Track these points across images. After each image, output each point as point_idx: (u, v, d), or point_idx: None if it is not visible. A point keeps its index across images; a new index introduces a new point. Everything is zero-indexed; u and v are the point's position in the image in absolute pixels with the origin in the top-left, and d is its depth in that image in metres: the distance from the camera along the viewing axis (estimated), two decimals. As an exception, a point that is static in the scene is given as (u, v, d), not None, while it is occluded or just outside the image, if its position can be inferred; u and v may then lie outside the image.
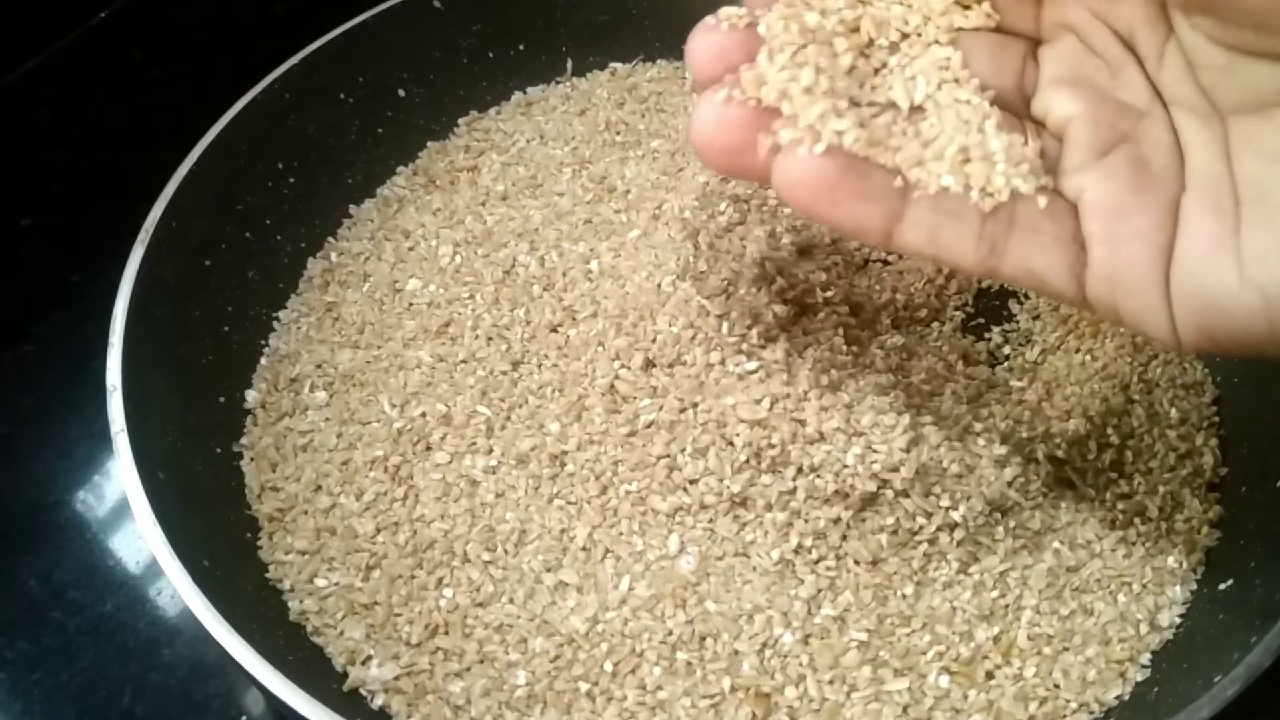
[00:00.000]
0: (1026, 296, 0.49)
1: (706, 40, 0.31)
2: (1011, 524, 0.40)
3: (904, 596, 0.38)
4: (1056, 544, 0.40)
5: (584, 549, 0.39)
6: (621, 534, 0.40)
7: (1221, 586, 0.39)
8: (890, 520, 0.38)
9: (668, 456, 0.40)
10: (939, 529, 0.38)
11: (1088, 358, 0.46)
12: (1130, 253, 0.29)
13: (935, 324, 0.47)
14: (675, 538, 0.39)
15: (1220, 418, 0.45)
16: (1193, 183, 0.29)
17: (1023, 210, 0.30)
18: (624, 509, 0.40)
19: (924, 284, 0.47)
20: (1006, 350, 0.47)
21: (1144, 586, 0.39)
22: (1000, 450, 0.40)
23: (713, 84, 0.31)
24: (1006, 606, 0.38)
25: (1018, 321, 0.48)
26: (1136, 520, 0.41)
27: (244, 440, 0.44)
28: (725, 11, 0.31)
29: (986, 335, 0.47)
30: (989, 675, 0.37)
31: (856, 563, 0.39)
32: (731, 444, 0.39)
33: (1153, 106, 0.30)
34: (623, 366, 0.42)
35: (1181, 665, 0.37)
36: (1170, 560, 0.40)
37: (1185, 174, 0.29)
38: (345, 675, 0.38)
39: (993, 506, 0.39)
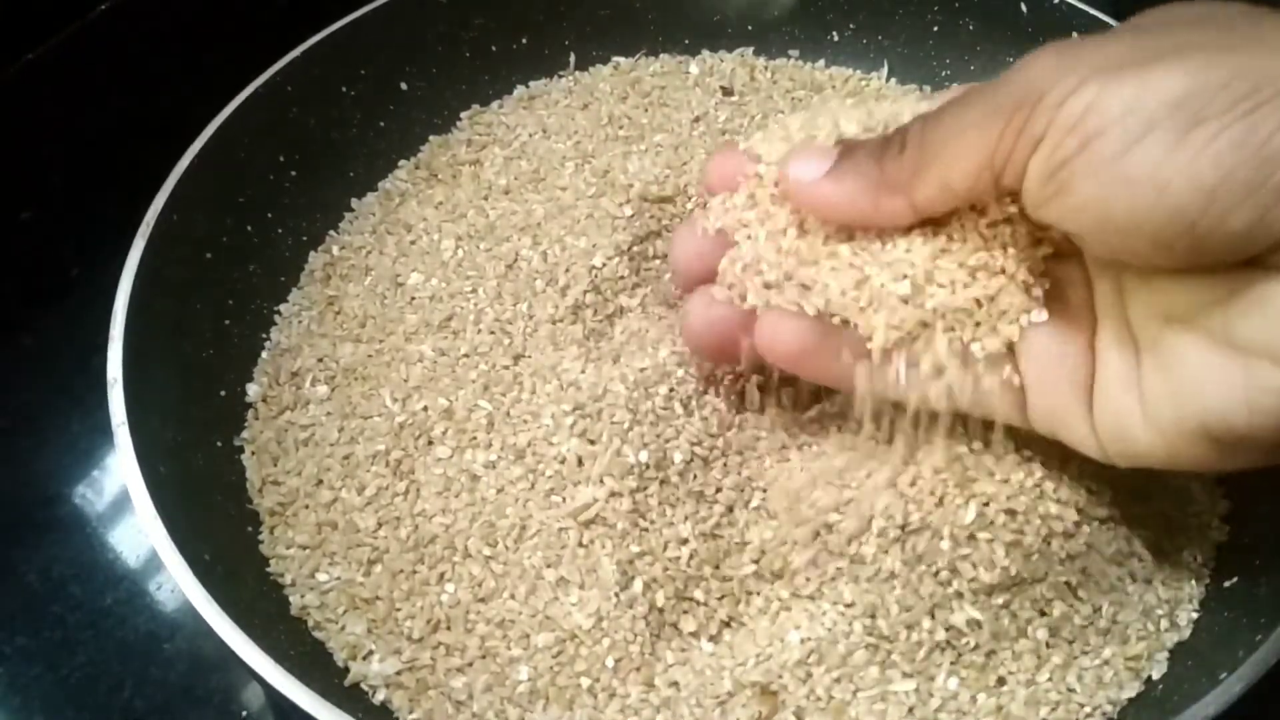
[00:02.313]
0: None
1: (686, 244, 0.38)
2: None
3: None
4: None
5: (582, 545, 0.39)
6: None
7: (1227, 583, 0.39)
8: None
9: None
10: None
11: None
12: (1057, 397, 0.33)
13: None
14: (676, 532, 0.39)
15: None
16: (1102, 319, 0.33)
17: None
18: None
19: None
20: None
21: (1163, 583, 0.39)
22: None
23: (694, 282, 0.38)
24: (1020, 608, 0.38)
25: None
26: (1150, 517, 0.40)
27: (245, 434, 0.44)
28: (701, 216, 0.38)
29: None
30: (1000, 681, 0.37)
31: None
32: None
33: (1064, 245, 0.34)
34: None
35: (1187, 663, 0.37)
36: (1185, 555, 0.40)
37: (1096, 309, 0.33)
38: (346, 670, 0.38)
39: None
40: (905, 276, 0.33)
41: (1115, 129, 0.27)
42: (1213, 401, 0.29)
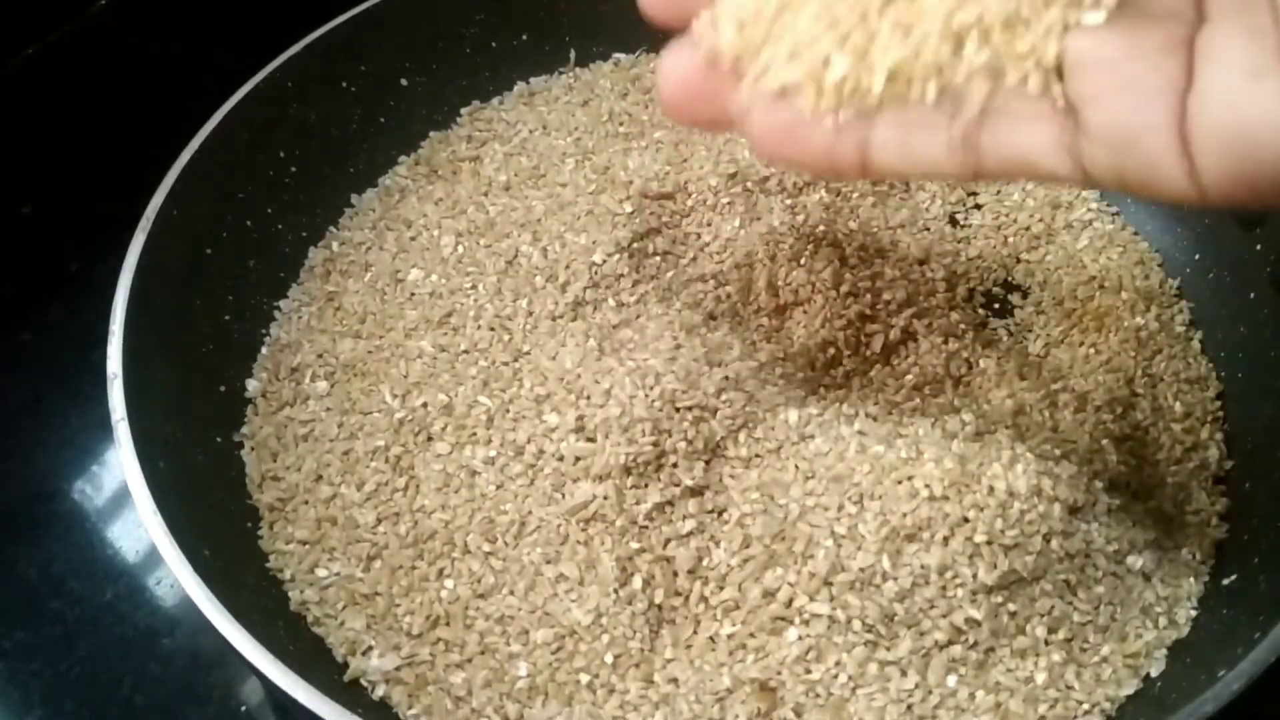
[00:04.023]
0: (1028, 291, 0.49)
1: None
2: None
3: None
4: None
5: (581, 542, 0.39)
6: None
7: (1226, 581, 0.39)
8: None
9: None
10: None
11: (1091, 350, 0.46)
12: (1131, 103, 0.25)
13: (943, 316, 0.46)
14: (676, 529, 0.39)
15: (1224, 412, 0.45)
16: (1214, 13, 0.25)
17: (995, 95, 0.27)
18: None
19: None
20: (1009, 344, 0.47)
21: (1161, 581, 0.39)
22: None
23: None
24: (1019, 607, 0.38)
25: (1017, 315, 0.48)
26: (1148, 515, 0.40)
27: (245, 429, 0.44)
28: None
29: (991, 328, 0.47)
30: (999, 679, 0.37)
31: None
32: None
33: None
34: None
35: (1186, 660, 0.37)
36: (1184, 553, 0.40)
37: (1203, 5, 0.25)
38: (346, 666, 0.38)
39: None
40: None
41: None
42: None
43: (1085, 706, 0.37)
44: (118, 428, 0.38)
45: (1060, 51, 0.26)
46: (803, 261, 0.46)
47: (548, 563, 0.39)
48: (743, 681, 0.36)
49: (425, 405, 0.43)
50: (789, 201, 0.50)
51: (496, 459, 0.41)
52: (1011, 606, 0.37)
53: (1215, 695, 0.32)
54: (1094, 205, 0.52)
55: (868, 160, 0.28)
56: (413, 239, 0.50)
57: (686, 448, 0.40)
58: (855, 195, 0.51)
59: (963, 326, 0.46)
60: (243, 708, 0.42)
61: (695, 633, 0.38)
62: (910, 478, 0.37)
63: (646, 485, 0.39)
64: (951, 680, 0.36)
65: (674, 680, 0.37)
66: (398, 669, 0.38)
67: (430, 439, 0.43)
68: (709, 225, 0.49)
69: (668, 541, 0.39)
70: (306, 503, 0.42)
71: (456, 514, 0.40)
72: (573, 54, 0.58)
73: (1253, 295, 0.45)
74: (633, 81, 0.57)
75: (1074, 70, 0.26)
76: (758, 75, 0.28)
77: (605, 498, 0.39)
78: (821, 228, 0.48)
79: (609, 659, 0.37)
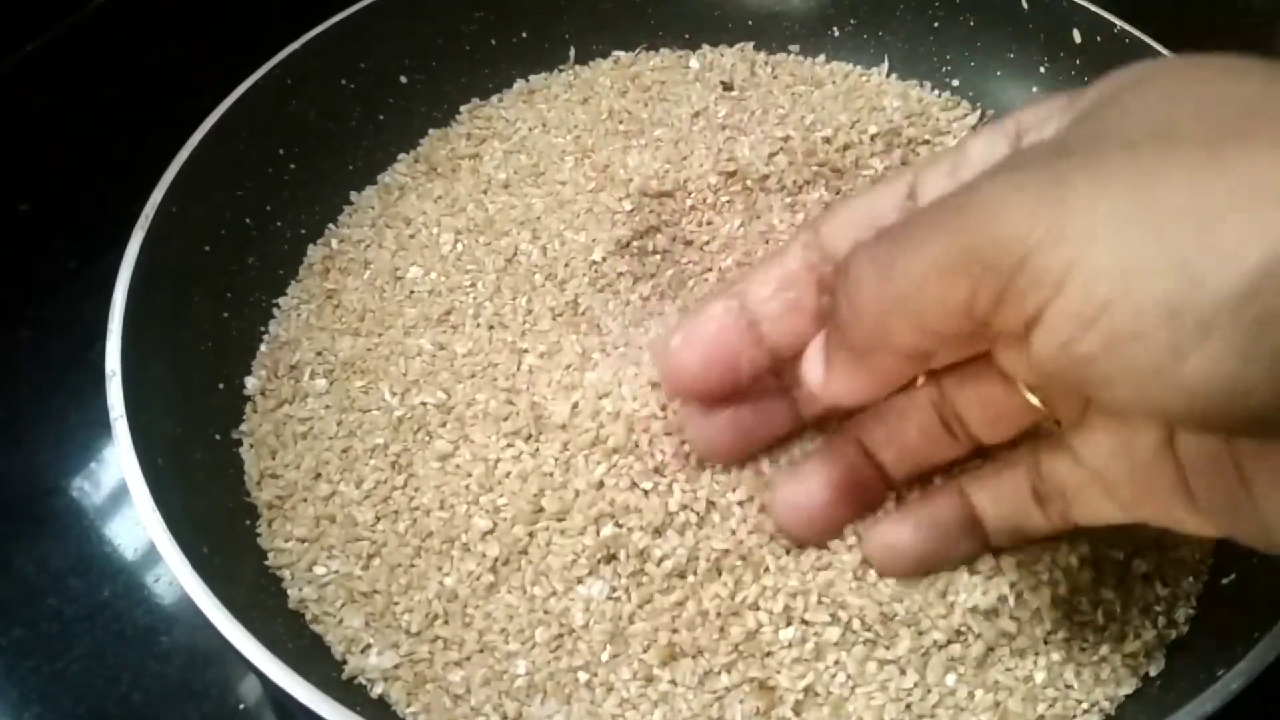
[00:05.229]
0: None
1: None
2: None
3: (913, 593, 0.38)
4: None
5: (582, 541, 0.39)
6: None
7: (1225, 580, 0.39)
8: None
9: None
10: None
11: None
12: (1150, 503, 0.30)
13: None
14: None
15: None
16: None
17: (1061, 475, 0.33)
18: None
19: None
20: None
21: (1161, 579, 0.39)
22: None
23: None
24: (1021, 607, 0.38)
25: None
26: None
27: (243, 427, 0.44)
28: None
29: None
30: (998, 678, 0.37)
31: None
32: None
33: None
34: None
35: (1185, 660, 0.37)
36: (1184, 552, 0.40)
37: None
38: (344, 663, 0.38)
39: None
40: None
41: (1158, 333, 0.21)
42: None
43: (1084, 706, 0.37)
44: (116, 425, 0.38)
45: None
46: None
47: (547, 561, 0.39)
48: (741, 680, 0.36)
49: (424, 403, 0.43)
50: (789, 200, 0.50)
51: (496, 458, 0.41)
52: (1011, 605, 0.37)
53: (1215, 694, 0.32)
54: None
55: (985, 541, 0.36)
56: (412, 236, 0.50)
57: (684, 447, 0.39)
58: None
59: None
60: (241, 705, 0.42)
61: (697, 630, 0.38)
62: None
63: (647, 483, 0.39)
64: (951, 679, 0.36)
65: (672, 680, 0.37)
66: (396, 667, 0.38)
67: (429, 437, 0.43)
68: (709, 224, 0.49)
69: (669, 539, 0.39)
70: (305, 500, 0.42)
71: (455, 512, 0.40)
72: (572, 51, 0.58)
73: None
74: (632, 79, 0.57)
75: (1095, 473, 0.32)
76: None
77: (605, 496, 0.39)
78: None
79: (606, 657, 0.37)
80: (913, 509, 0.36)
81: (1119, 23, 0.49)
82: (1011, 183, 0.24)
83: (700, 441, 0.38)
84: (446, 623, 0.38)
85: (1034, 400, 0.32)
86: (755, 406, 0.36)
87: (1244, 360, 0.21)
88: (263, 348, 0.47)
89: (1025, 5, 0.54)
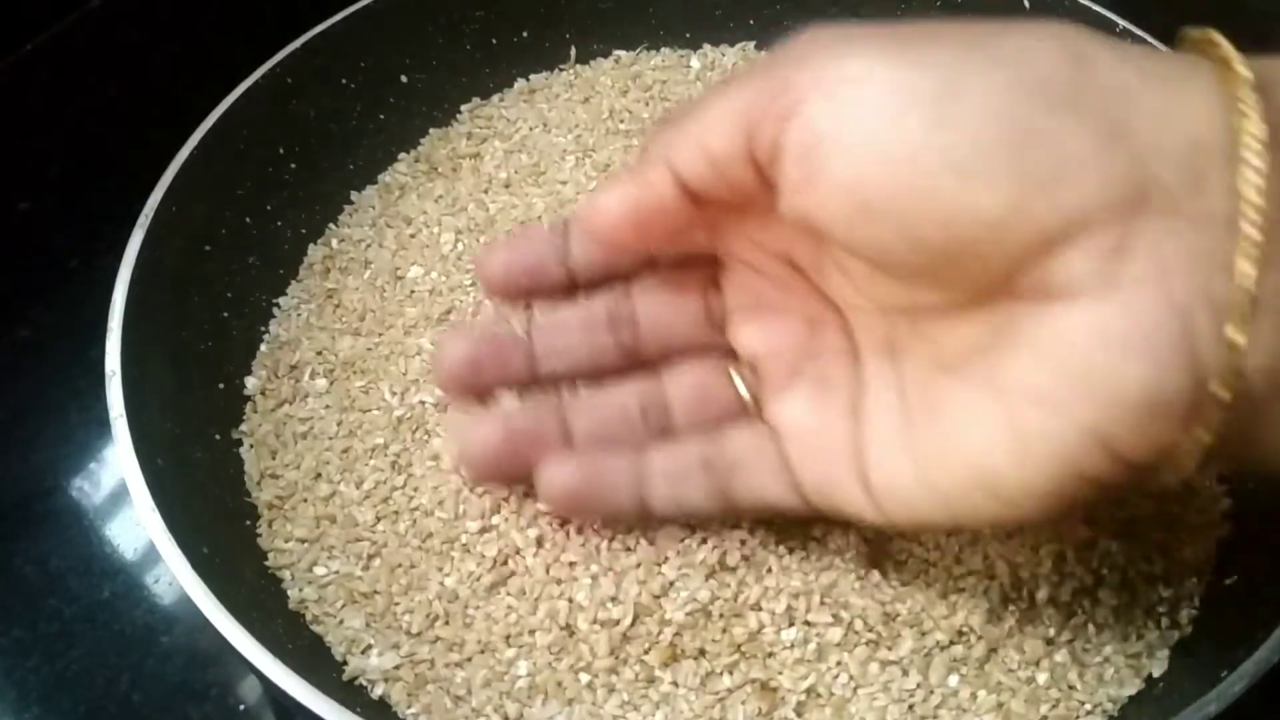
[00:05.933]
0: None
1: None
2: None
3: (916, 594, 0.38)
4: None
5: (582, 543, 0.39)
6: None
7: (1228, 581, 0.39)
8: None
9: None
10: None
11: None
12: (825, 468, 0.32)
13: None
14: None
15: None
16: (869, 383, 0.32)
17: (737, 449, 0.34)
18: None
19: None
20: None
21: (1164, 580, 0.39)
22: None
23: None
24: (1022, 606, 0.38)
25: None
26: (1150, 513, 0.40)
27: (243, 427, 0.44)
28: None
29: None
30: (1001, 679, 0.37)
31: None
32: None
33: (825, 314, 0.34)
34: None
35: (1188, 660, 0.37)
36: (1187, 553, 0.40)
37: (862, 374, 0.32)
38: (345, 664, 0.38)
39: None
40: None
41: (872, 104, 0.26)
42: (978, 452, 0.28)
43: (1087, 707, 0.36)
44: (116, 425, 0.37)
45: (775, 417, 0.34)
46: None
47: (547, 561, 0.39)
48: (743, 681, 0.36)
49: (424, 403, 0.43)
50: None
51: (496, 457, 0.41)
52: (1013, 606, 0.37)
53: (1218, 696, 0.32)
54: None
55: (647, 510, 0.35)
56: (412, 236, 0.50)
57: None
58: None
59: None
60: (241, 706, 0.42)
61: (699, 631, 0.37)
62: None
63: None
64: (954, 680, 0.36)
65: (674, 681, 0.37)
66: (397, 667, 0.37)
67: (429, 437, 0.43)
68: (710, 223, 0.49)
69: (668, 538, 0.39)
70: (305, 500, 0.42)
71: (455, 512, 0.40)
72: (573, 51, 0.58)
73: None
74: (633, 79, 0.57)
75: (782, 437, 0.34)
76: None
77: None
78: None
79: (608, 659, 0.37)
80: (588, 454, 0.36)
81: (1121, 21, 0.49)
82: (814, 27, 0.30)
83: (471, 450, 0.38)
84: (447, 623, 0.38)
85: (742, 389, 0.35)
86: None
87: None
88: (263, 347, 0.47)
89: (1027, 5, 0.54)
